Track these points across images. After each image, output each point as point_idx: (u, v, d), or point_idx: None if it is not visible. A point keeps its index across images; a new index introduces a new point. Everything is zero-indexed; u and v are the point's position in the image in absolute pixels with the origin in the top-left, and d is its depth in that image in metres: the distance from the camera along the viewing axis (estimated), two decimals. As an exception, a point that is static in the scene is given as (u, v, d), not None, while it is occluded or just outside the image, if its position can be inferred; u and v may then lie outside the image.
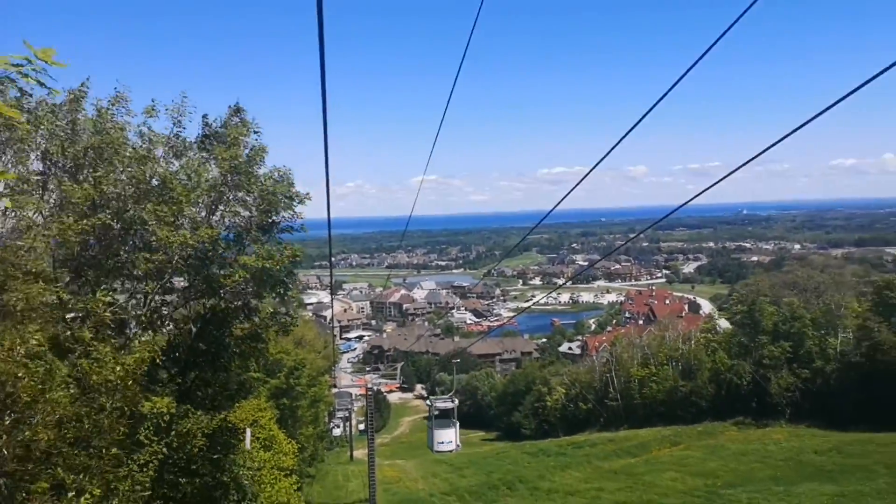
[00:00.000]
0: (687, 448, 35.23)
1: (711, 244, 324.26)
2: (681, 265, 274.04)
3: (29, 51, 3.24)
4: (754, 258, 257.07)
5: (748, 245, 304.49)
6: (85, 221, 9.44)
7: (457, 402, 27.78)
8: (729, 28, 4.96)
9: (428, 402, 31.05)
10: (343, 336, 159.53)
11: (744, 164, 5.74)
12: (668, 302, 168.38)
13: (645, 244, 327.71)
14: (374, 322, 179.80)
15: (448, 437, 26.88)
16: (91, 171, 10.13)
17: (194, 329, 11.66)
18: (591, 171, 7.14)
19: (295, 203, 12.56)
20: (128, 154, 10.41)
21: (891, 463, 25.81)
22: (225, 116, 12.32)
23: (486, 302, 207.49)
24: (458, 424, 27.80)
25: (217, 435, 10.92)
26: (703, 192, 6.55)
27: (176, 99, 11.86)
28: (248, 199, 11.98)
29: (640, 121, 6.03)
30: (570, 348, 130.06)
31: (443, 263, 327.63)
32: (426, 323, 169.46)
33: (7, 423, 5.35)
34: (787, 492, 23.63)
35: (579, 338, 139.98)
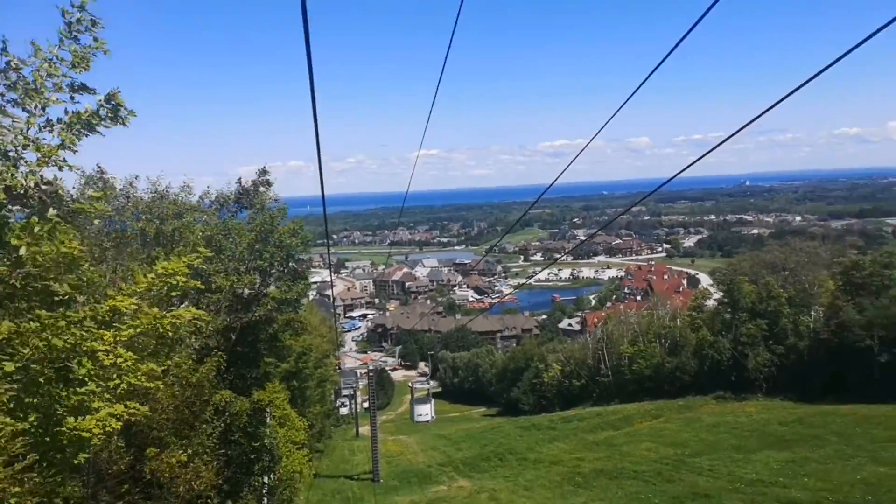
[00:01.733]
0: (666, 421, 37.97)
1: (713, 217, 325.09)
2: (681, 239, 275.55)
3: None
4: (754, 231, 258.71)
5: (749, 217, 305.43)
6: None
7: (432, 384, 35.41)
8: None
9: (410, 384, 39.70)
10: (347, 315, 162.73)
11: (740, 130, 5.52)
12: (666, 277, 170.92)
13: (646, 218, 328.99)
14: (377, 300, 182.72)
15: (425, 411, 34.01)
16: (177, 245, 13.60)
17: (234, 337, 14.64)
18: (589, 142, 7.18)
19: (306, 248, 15.76)
20: (199, 235, 13.33)
21: (843, 432, 28.48)
22: (255, 177, 15.43)
23: (488, 279, 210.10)
24: (432, 401, 34.79)
25: (251, 414, 13.81)
26: (700, 158, 6.29)
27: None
28: (273, 249, 15.14)
29: (637, 89, 5.98)
30: (570, 324, 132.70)
31: (444, 240, 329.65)
32: (428, 301, 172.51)
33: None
34: (746, 458, 26.34)
35: (579, 314, 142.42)
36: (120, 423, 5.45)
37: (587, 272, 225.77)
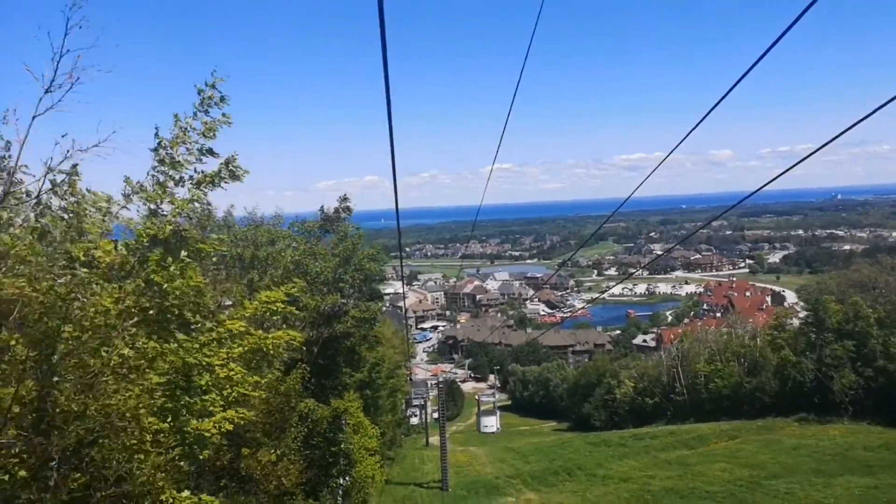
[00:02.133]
0: (743, 442, 36.88)
1: (801, 231, 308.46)
2: (766, 254, 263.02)
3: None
4: (846, 247, 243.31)
5: (841, 233, 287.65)
6: None
7: (502, 397, 36.98)
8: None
9: (477, 397, 40.28)
10: (418, 326, 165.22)
11: (830, 141, 5.30)
12: (748, 294, 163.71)
13: (728, 233, 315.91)
14: (448, 313, 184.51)
15: (491, 423, 35.78)
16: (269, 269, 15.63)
17: (316, 349, 16.07)
18: (668, 155, 6.99)
19: (383, 270, 17.38)
20: (289, 259, 15.03)
21: (934, 461, 27.03)
22: (336, 204, 17.29)
23: (560, 293, 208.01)
24: (498, 413, 36.32)
25: (331, 420, 15.10)
26: (787, 170, 6.05)
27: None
28: (353, 273, 16.81)
29: (720, 101, 5.81)
30: (644, 341, 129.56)
31: (516, 254, 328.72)
32: (499, 314, 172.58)
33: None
34: (826, 483, 25.39)
35: (654, 330, 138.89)
36: (231, 426, 6.65)
37: (664, 287, 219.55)
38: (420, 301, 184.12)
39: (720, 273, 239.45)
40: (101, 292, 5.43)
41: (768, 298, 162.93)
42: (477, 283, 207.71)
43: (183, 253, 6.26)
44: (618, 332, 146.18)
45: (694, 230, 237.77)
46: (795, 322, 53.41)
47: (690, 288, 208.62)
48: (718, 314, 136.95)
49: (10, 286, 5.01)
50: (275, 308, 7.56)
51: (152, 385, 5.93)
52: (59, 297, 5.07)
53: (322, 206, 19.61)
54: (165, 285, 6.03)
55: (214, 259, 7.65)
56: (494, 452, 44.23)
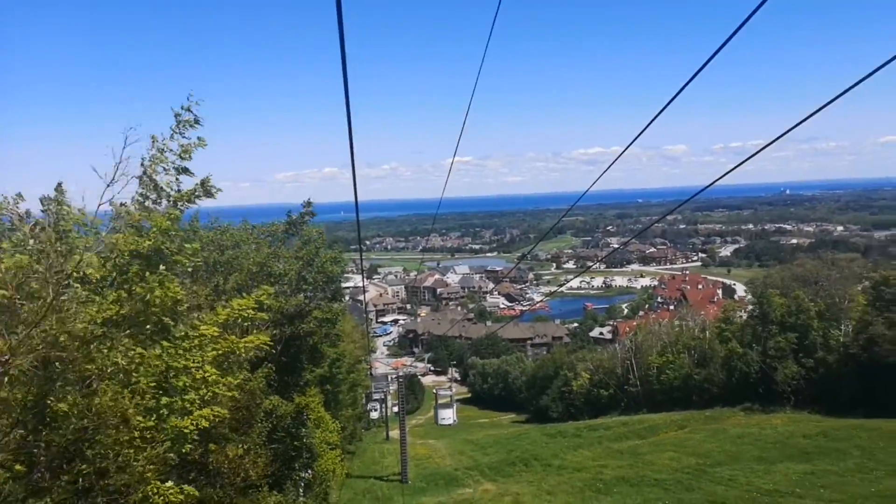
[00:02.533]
0: (692, 431, 38.44)
1: (751, 226, 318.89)
2: (718, 248, 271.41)
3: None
4: (793, 241, 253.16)
5: (788, 227, 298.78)
6: None
7: (463, 389, 38.77)
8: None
9: (434, 391, 42.80)
10: (379, 320, 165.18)
11: (779, 137, 5.32)
12: (700, 287, 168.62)
13: (682, 227, 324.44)
14: (408, 306, 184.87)
15: (447, 415, 38.46)
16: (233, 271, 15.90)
17: (279, 348, 16.37)
18: (624, 150, 7.08)
19: (344, 272, 17.84)
20: (253, 261, 15.25)
21: (866, 446, 28.68)
22: (301, 209, 17.61)
23: (519, 286, 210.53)
24: (455, 405, 38.95)
25: (294, 416, 15.44)
26: (738, 165, 6.08)
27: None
28: (316, 275, 17.17)
29: (674, 97, 5.86)
30: (601, 333, 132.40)
31: (476, 247, 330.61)
32: (459, 307, 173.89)
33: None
34: (766, 469, 26.84)
35: (611, 322, 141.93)
36: (208, 423, 7.04)
37: (620, 281, 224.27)
38: (381, 295, 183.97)
39: (674, 266, 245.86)
40: (92, 304, 5.82)
41: (719, 291, 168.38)
42: (437, 276, 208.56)
43: (161, 266, 6.60)
44: (575, 324, 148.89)
45: (648, 224, 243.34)
46: (743, 315, 55.58)
47: (646, 281, 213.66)
48: (672, 307, 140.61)
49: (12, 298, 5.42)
50: (246, 314, 7.98)
51: (142, 387, 6.34)
52: (58, 309, 5.45)
53: (288, 212, 20.19)
54: (147, 296, 6.35)
55: (189, 269, 7.98)
56: (454, 445, 44.95)
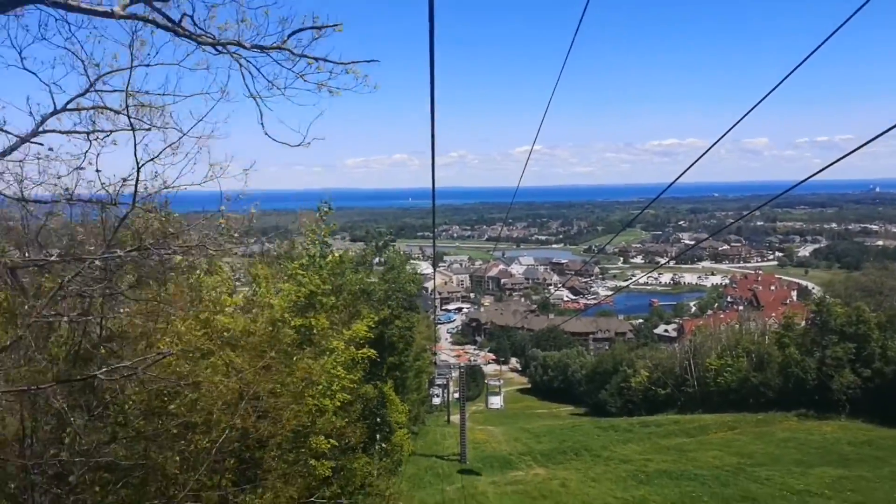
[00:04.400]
0: (741, 433, 39.89)
1: (834, 225, 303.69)
2: (796, 248, 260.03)
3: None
4: (879, 242, 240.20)
5: (875, 227, 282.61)
6: None
7: (502, 381, 49.02)
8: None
9: (486, 381, 53.74)
10: (443, 307, 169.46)
11: (876, 138, 5.14)
12: (773, 288, 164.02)
13: (759, 223, 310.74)
14: (472, 295, 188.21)
15: (496, 401, 42.87)
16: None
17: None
18: (706, 151, 7.10)
19: (420, 289, 22.06)
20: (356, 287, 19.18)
21: (907, 457, 29.85)
22: (385, 239, 21.50)
23: (585, 280, 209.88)
24: (502, 393, 44.79)
25: (377, 398, 19.13)
26: (826, 167, 5.76)
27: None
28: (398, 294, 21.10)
29: (767, 95, 5.80)
30: (666, 331, 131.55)
31: (543, 238, 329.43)
32: (523, 298, 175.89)
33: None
34: (803, 472, 28.39)
35: (677, 320, 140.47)
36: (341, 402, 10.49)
37: (689, 278, 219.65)
38: (446, 283, 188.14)
39: (748, 265, 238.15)
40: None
41: (794, 293, 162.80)
42: (502, 266, 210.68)
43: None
44: (640, 321, 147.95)
45: (724, 226, 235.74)
46: (802, 322, 55.65)
47: (716, 279, 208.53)
48: (741, 307, 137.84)
49: None
50: (361, 333, 11.51)
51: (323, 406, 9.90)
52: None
53: (375, 241, 24.15)
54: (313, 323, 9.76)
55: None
56: (510, 432, 47.99)
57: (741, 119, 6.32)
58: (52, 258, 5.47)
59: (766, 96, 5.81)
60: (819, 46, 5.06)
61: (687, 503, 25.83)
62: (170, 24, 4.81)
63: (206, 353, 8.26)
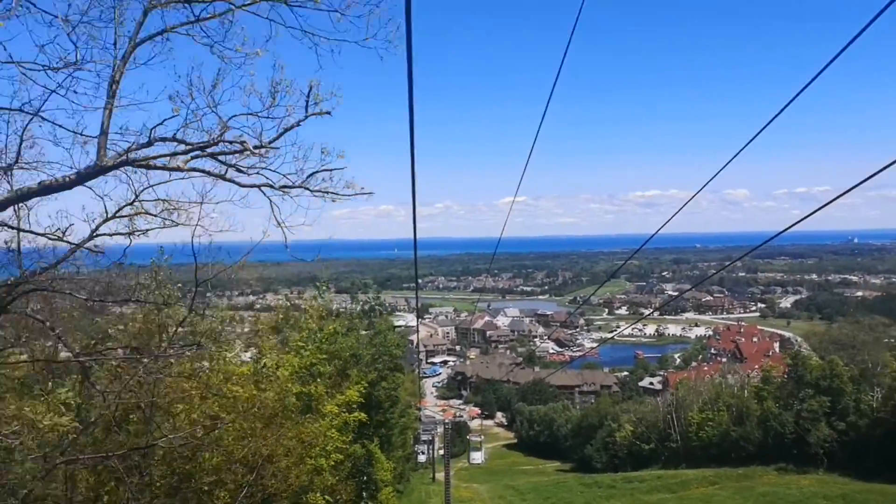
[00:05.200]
0: (721, 488, 40.60)
1: (814, 276, 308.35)
2: (778, 298, 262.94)
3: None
4: (859, 293, 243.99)
5: (854, 278, 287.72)
6: None
7: (483, 437, 51.24)
8: (848, 45, 4.66)
9: (468, 437, 55.58)
10: (429, 360, 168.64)
11: (852, 189, 5.28)
12: (755, 339, 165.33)
13: (741, 274, 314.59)
14: (458, 348, 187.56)
15: (477, 457, 46.93)
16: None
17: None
18: (688, 202, 7.32)
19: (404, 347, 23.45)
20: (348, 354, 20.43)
21: (879, 511, 30.78)
22: (372, 302, 22.82)
23: (570, 331, 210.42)
24: (483, 449, 47.64)
25: (364, 457, 20.03)
26: (806, 217, 5.88)
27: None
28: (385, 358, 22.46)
29: (745, 146, 5.94)
30: (651, 383, 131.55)
31: (528, 289, 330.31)
32: (508, 351, 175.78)
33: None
34: (779, 528, 29.37)
35: (661, 372, 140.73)
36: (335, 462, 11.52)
37: (673, 329, 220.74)
38: (431, 335, 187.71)
39: (731, 315, 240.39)
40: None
41: (776, 344, 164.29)
42: (487, 318, 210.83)
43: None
44: (626, 373, 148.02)
45: (706, 276, 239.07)
46: (777, 377, 56.78)
47: (700, 330, 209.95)
48: (724, 359, 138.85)
49: None
50: (353, 398, 12.70)
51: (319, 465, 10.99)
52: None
53: (364, 303, 25.65)
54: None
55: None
56: (496, 489, 48.15)
57: (720, 171, 6.47)
58: (120, 355, 6.64)
59: (743, 148, 6.00)
60: (793, 99, 5.26)
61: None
62: (218, 174, 6.19)
63: (221, 420, 9.37)
